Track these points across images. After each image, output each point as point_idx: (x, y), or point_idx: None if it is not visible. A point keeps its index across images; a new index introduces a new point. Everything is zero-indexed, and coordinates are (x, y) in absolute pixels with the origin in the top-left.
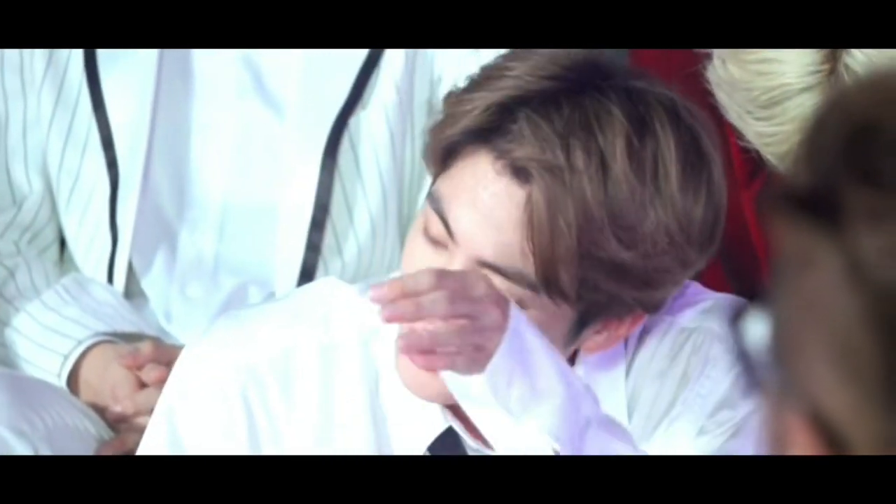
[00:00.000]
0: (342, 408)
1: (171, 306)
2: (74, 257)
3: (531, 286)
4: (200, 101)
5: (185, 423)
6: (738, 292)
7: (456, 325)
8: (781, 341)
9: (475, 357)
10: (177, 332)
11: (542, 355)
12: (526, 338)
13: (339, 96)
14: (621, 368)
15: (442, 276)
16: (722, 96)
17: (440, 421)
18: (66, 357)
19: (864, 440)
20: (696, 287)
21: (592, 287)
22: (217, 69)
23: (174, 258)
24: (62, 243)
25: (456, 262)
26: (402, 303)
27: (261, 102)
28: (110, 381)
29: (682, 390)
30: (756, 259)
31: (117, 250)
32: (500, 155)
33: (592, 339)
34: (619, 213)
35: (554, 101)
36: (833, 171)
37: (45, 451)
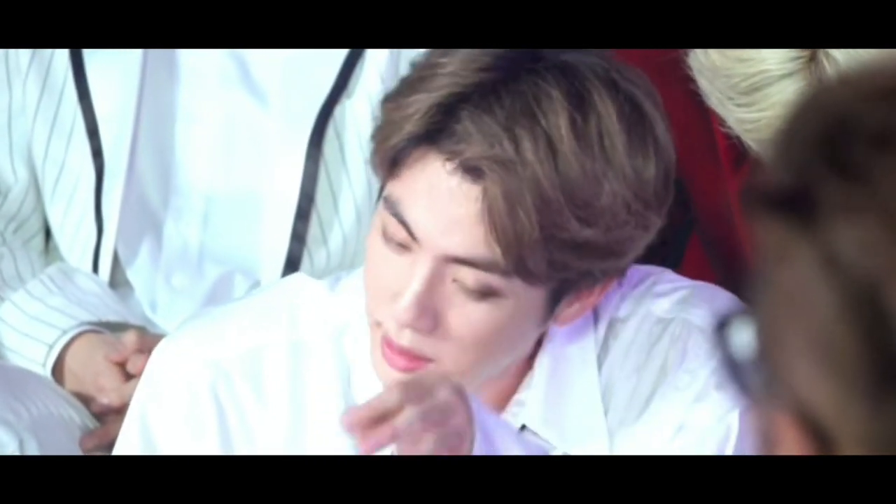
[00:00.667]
0: (314, 405)
1: (157, 296)
2: (59, 247)
3: (503, 272)
4: (185, 91)
5: (157, 422)
6: (723, 280)
7: (431, 436)
8: (764, 338)
9: (454, 450)
10: (162, 321)
11: (504, 432)
12: (489, 423)
13: (323, 86)
14: (592, 359)
15: (407, 388)
16: (703, 83)
17: None
18: (51, 347)
19: (849, 434)
20: (671, 275)
21: (561, 266)
22: (202, 59)
23: (159, 247)
24: (47, 233)
25: (421, 262)
26: (377, 431)
27: (246, 92)
28: (95, 371)
29: (660, 384)
30: (741, 247)
31: (102, 240)
32: (450, 156)
33: (564, 312)
34: (575, 192)
35: (493, 92)
36: (808, 166)
37: (29, 440)
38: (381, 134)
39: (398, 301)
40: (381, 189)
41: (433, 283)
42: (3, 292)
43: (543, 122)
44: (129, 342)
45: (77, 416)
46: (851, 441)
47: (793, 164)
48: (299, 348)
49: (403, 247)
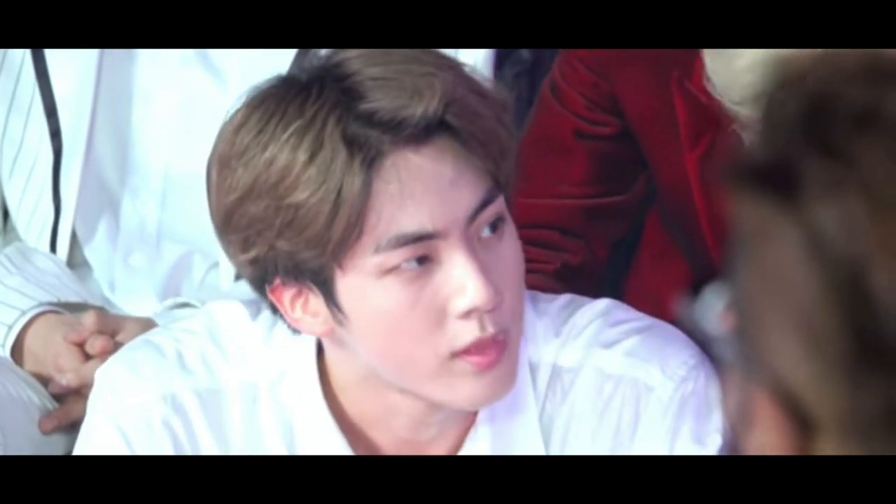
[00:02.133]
0: (263, 451)
1: (115, 275)
2: (17, 227)
3: (498, 191)
4: (143, 70)
5: (110, 445)
6: (682, 247)
7: None
8: (743, 316)
9: None
10: (121, 301)
11: None
12: None
13: (281, 64)
14: (534, 424)
15: None
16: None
17: None
18: (9, 327)
19: (827, 413)
20: (618, 313)
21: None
22: None
23: (117, 227)
24: (5, 213)
25: (452, 248)
26: None
27: (203, 70)
28: (54, 352)
29: (616, 450)
30: (698, 219)
31: (60, 219)
32: (393, 138)
33: None
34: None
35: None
36: (790, 144)
37: None
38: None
39: (463, 300)
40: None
41: (474, 256)
42: None
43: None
44: (88, 322)
45: (36, 397)
46: (830, 420)
47: (775, 142)
48: (249, 391)
49: (425, 261)
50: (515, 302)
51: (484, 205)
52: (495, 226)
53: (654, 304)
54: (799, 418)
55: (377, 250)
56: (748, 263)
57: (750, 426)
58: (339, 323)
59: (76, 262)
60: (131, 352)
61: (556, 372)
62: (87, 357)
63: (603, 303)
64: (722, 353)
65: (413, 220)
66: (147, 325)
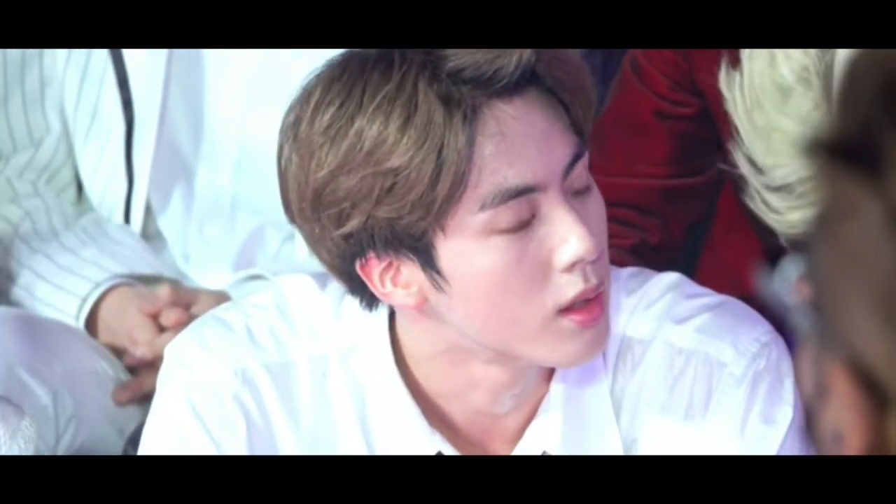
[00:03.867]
0: (336, 423)
1: (189, 247)
2: (91, 198)
3: (585, 146)
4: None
5: (185, 423)
6: (761, 231)
7: None
8: (821, 289)
9: None
10: (195, 273)
11: None
12: None
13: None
14: (602, 378)
15: None
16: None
17: (428, 446)
18: (84, 299)
19: None
20: (689, 287)
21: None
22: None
23: (191, 197)
24: (79, 184)
25: (552, 202)
26: None
27: None
28: (128, 324)
29: (687, 426)
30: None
31: (134, 190)
32: (486, 92)
33: None
34: None
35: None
36: (871, 120)
37: (62, 392)
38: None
39: (568, 251)
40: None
41: (574, 207)
42: (36, 244)
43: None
44: (163, 295)
45: (110, 369)
46: None
47: (857, 118)
48: (319, 364)
49: (524, 222)
50: (605, 259)
51: (576, 158)
52: (587, 181)
53: (727, 278)
54: (874, 393)
55: (483, 207)
56: (827, 238)
57: (825, 400)
58: (440, 289)
59: (150, 233)
60: (200, 327)
61: (626, 343)
62: (162, 329)
63: (673, 276)
64: (798, 325)
65: (516, 172)
66: (221, 297)
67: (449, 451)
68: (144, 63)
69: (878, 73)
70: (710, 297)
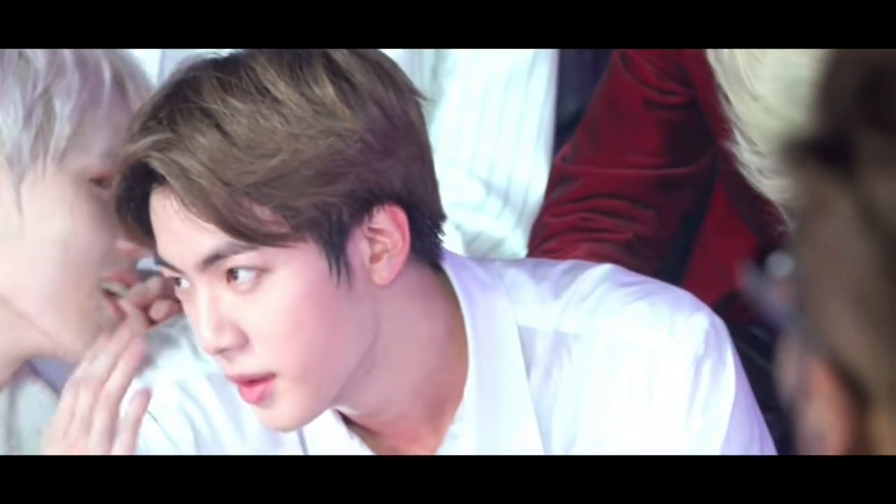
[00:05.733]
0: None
1: None
2: None
3: (245, 246)
4: None
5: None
6: (753, 226)
7: None
8: (800, 288)
9: None
10: None
11: None
12: None
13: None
14: (523, 380)
15: None
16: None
17: (349, 450)
18: None
19: (883, 385)
20: (620, 276)
21: (289, 209)
22: None
23: None
24: None
25: (194, 288)
26: None
27: None
28: None
29: (630, 419)
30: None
31: None
32: (128, 157)
33: (375, 269)
34: (242, 137)
35: (151, 100)
36: (847, 118)
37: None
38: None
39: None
40: None
41: (214, 300)
42: None
43: (192, 95)
44: (153, 287)
45: None
46: (884, 391)
47: (832, 116)
48: None
49: (186, 289)
50: (286, 354)
51: (212, 258)
52: (253, 280)
53: (719, 273)
54: (854, 392)
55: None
56: (804, 237)
57: (807, 399)
58: None
59: None
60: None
61: (560, 339)
62: (151, 322)
63: (605, 267)
64: (782, 323)
65: (160, 252)
66: None
67: (366, 453)
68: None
69: (855, 71)
70: (644, 286)
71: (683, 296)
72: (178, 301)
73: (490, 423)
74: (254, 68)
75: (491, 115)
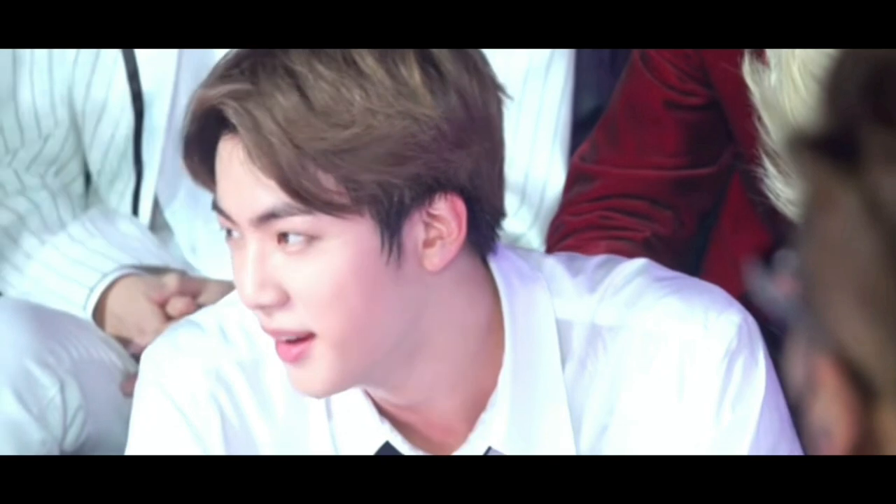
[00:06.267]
0: (305, 414)
1: (197, 239)
2: (99, 190)
3: (302, 209)
4: None
5: (162, 428)
6: (769, 223)
7: None
8: (806, 283)
9: None
10: (202, 265)
11: None
12: None
13: None
14: (558, 372)
15: None
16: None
17: (378, 435)
18: (91, 289)
19: (889, 379)
20: (655, 270)
21: (352, 181)
22: None
23: (198, 191)
24: (87, 177)
25: (246, 240)
26: None
27: None
28: (136, 314)
29: (661, 410)
30: None
31: (142, 183)
32: (203, 101)
33: (427, 255)
34: (323, 105)
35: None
36: (853, 114)
37: (70, 383)
38: None
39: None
40: None
41: (262, 256)
42: (44, 236)
43: (281, 54)
44: (170, 284)
45: (118, 360)
46: (891, 386)
47: (838, 112)
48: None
49: (237, 239)
50: (326, 319)
51: (267, 216)
52: (304, 244)
53: (735, 269)
54: (860, 386)
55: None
56: (810, 232)
57: (813, 395)
58: None
59: (158, 225)
60: (174, 332)
61: (595, 331)
62: (169, 318)
63: (640, 261)
64: (789, 319)
65: (219, 200)
66: (228, 287)
67: (397, 440)
68: (154, 56)
69: (861, 67)
70: (678, 280)
71: (717, 291)
72: (194, 298)
73: (522, 412)
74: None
75: (508, 113)
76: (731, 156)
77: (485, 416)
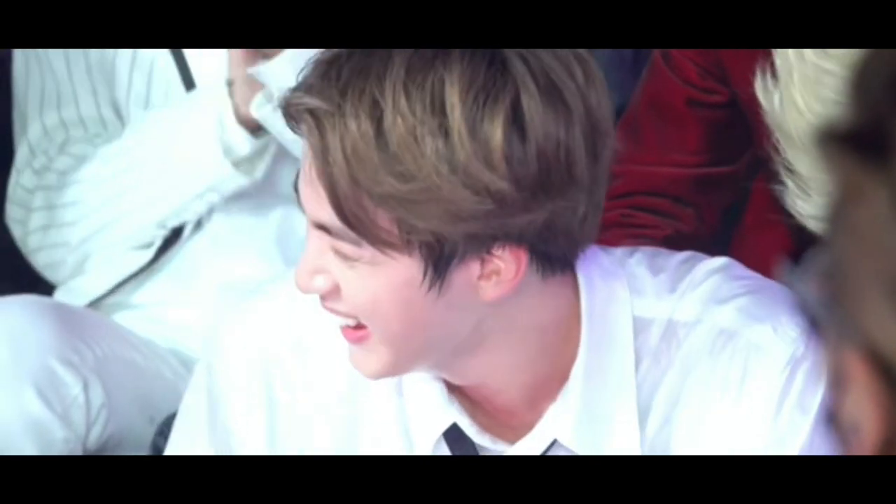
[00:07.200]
0: (370, 396)
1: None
2: None
3: (353, 239)
4: None
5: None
6: (792, 222)
7: None
8: (836, 278)
9: None
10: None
11: None
12: None
13: None
14: (630, 370)
15: None
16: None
17: (446, 416)
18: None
19: None
20: (735, 269)
21: (408, 225)
22: None
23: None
24: None
25: (309, 227)
26: None
27: None
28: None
29: (721, 405)
30: None
31: None
32: (295, 106)
33: (482, 287)
34: (394, 148)
35: (347, 54)
36: (880, 106)
37: (94, 381)
38: None
39: None
40: None
41: (319, 251)
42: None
43: (375, 81)
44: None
45: (141, 360)
46: None
47: (866, 104)
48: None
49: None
50: (373, 322)
51: (322, 227)
52: (351, 259)
53: (756, 266)
54: (891, 381)
55: None
56: (840, 226)
57: (844, 390)
58: None
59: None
60: (245, 299)
61: (671, 327)
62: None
63: (721, 260)
64: (818, 316)
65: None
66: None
67: (464, 422)
68: (207, 66)
69: (888, 62)
70: (755, 281)
71: (785, 295)
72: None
73: (591, 408)
74: (443, 80)
75: None
76: (753, 153)
77: (553, 408)
